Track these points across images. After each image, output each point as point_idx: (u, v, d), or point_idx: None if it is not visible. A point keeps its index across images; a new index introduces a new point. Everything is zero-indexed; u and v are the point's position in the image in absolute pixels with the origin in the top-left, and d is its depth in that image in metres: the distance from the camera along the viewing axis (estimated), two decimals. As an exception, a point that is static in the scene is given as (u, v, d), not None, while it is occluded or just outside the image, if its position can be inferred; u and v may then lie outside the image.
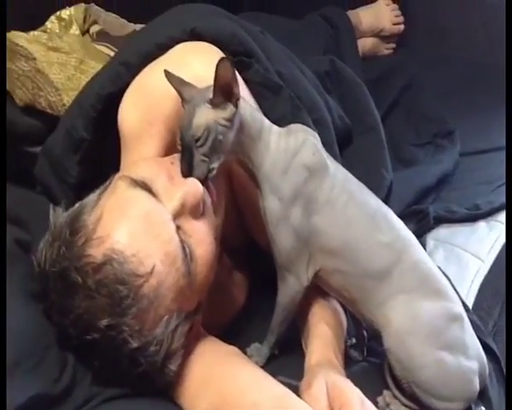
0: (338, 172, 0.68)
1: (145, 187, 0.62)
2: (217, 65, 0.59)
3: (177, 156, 0.68)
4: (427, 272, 0.66)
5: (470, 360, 0.65)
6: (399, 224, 0.69)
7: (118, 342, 0.58)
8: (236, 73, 0.62)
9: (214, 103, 0.62)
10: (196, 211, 0.64)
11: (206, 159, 0.63)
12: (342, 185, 0.67)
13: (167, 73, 0.66)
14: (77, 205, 0.64)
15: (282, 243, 0.68)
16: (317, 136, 0.70)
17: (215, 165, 0.64)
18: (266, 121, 0.68)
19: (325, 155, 0.69)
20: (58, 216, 0.63)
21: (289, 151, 0.66)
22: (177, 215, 0.62)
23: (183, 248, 0.61)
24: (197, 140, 0.62)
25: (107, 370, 0.60)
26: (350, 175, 0.70)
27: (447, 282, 0.68)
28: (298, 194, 0.66)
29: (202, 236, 0.64)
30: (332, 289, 0.71)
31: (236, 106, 0.63)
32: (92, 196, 0.64)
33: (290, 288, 0.70)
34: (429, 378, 0.63)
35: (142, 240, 0.59)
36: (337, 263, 0.67)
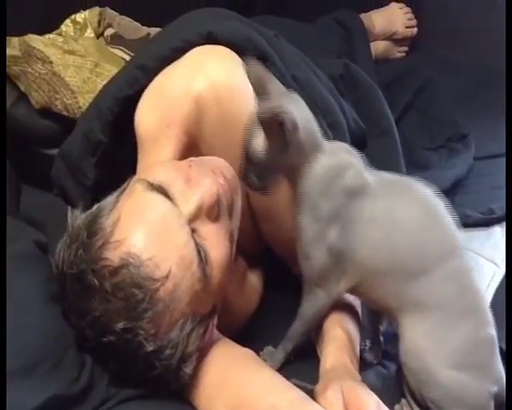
0: (380, 189, 0.66)
1: (162, 191, 0.62)
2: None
3: (194, 160, 0.68)
4: (468, 284, 0.64)
5: (490, 383, 0.63)
6: (450, 224, 0.65)
7: (133, 345, 0.58)
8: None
9: (266, 135, 0.62)
10: (212, 212, 0.64)
11: (255, 178, 0.65)
12: (385, 198, 0.65)
13: (250, 65, 0.67)
14: (95, 207, 0.64)
15: (317, 259, 0.67)
16: (358, 156, 0.69)
17: (265, 182, 0.66)
18: (320, 140, 0.66)
19: (366, 174, 0.67)
20: (76, 218, 0.63)
21: (331, 173, 0.65)
22: (193, 218, 0.62)
23: (199, 251, 0.61)
24: (251, 159, 0.64)
25: (122, 372, 0.61)
26: (396, 183, 0.68)
27: (484, 298, 0.65)
28: (336, 216, 0.65)
29: (217, 239, 0.64)
30: (367, 299, 0.71)
31: (289, 136, 0.61)
32: (110, 199, 0.64)
33: (318, 301, 0.70)
34: (445, 397, 0.62)
35: (158, 244, 0.59)
36: (378, 277, 0.66)
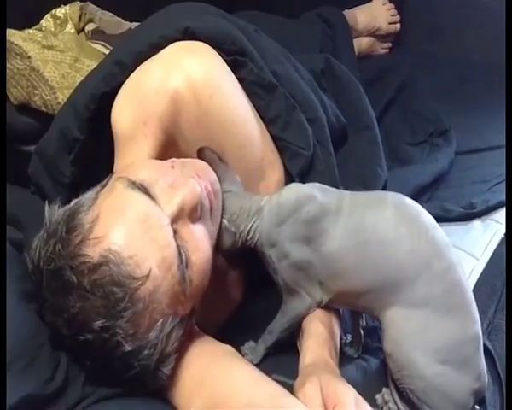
0: (347, 210, 0.66)
1: (143, 190, 0.61)
2: None
3: (176, 160, 0.68)
4: (455, 281, 0.63)
5: (472, 379, 0.63)
6: (429, 227, 0.64)
7: (111, 344, 0.57)
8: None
9: None
10: (194, 214, 0.64)
11: None
12: (351, 219, 0.65)
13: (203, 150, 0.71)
14: (73, 202, 0.63)
15: (285, 275, 0.69)
16: (322, 186, 0.70)
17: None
18: (252, 207, 0.70)
19: (325, 201, 0.67)
20: (53, 213, 0.62)
21: (283, 211, 0.68)
22: (175, 219, 0.62)
23: (180, 253, 0.61)
24: None
25: (99, 371, 0.60)
26: (366, 200, 0.67)
27: (471, 294, 0.64)
28: (294, 239, 0.67)
29: (198, 242, 0.64)
30: (351, 307, 0.72)
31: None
32: (89, 195, 0.63)
33: (302, 303, 0.70)
34: (427, 389, 0.63)
35: (139, 243, 0.58)
36: (360, 293, 0.66)
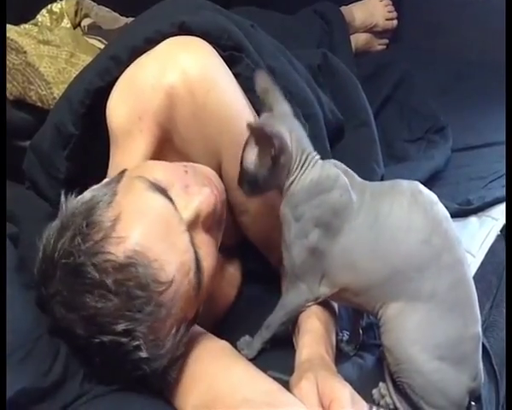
0: (365, 203, 0.66)
1: (164, 193, 0.61)
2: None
3: (188, 165, 0.68)
4: (461, 278, 0.63)
5: (469, 378, 0.64)
6: (441, 219, 0.64)
7: (127, 348, 0.56)
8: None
9: (258, 147, 0.65)
10: (207, 222, 0.64)
11: (247, 187, 0.69)
12: (368, 211, 0.65)
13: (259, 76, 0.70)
14: (88, 195, 0.61)
15: (297, 254, 0.68)
16: (350, 172, 0.69)
17: (256, 193, 0.71)
18: (311, 154, 0.68)
19: (353, 193, 0.66)
20: (70, 203, 0.60)
21: (319, 186, 0.66)
22: (190, 226, 0.62)
23: (196, 259, 0.61)
24: (244, 169, 0.68)
25: (105, 369, 0.59)
26: (381, 191, 0.67)
27: (476, 295, 0.65)
28: (317, 224, 0.66)
29: (209, 248, 0.64)
30: (352, 304, 0.71)
31: (277, 150, 0.64)
32: (106, 190, 0.61)
33: (301, 295, 0.70)
34: (424, 385, 0.63)
35: (161, 246, 0.58)
36: (368, 286, 0.66)
